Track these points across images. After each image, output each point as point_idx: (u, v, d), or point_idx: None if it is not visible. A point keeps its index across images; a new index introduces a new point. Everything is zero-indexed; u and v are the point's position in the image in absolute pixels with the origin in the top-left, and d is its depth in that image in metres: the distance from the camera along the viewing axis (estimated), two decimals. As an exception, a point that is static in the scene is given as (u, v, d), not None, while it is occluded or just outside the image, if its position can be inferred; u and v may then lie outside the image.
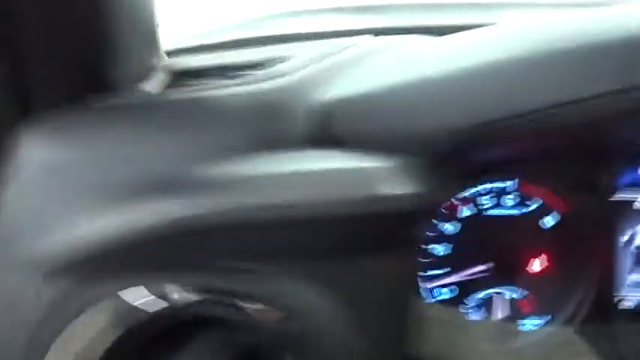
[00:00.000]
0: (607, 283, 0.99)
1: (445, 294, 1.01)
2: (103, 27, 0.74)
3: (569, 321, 1.00)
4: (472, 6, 1.31)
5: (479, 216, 0.99)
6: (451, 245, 0.99)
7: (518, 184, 0.98)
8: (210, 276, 0.66)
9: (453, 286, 1.00)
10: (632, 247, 0.99)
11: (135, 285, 0.64)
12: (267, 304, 0.68)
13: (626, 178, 0.98)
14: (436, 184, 0.78)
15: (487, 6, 1.29)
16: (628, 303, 1.02)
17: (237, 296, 0.68)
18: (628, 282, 1.01)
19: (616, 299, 1.00)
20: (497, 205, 0.99)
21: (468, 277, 0.99)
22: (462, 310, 1.01)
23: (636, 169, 0.97)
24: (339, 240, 0.70)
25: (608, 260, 0.98)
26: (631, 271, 1.00)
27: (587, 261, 0.98)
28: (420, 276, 1.00)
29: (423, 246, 0.99)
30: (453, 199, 0.98)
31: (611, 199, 0.98)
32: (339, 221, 0.68)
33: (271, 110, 0.75)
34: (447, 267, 1.00)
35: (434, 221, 0.98)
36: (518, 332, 1.01)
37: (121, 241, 0.60)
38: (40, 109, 0.72)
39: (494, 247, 0.98)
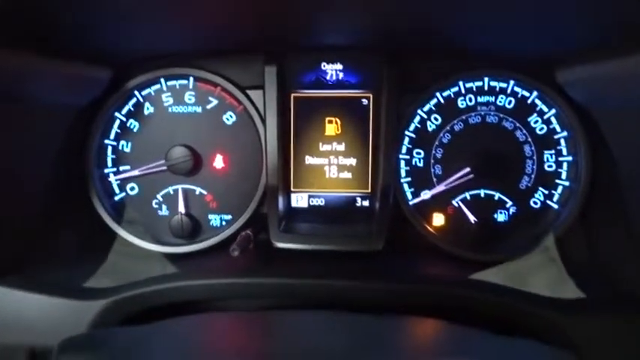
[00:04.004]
0: (281, 183, 1.01)
1: (132, 189, 1.04)
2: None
3: (252, 219, 1.02)
4: None
5: (160, 114, 1.02)
6: (133, 141, 1.03)
7: (195, 81, 1.01)
8: None
9: (135, 182, 1.04)
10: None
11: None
12: None
13: (311, 76, 1.01)
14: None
15: None
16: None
17: None
18: (316, 182, 1.04)
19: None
20: (177, 104, 1.02)
21: (149, 172, 1.03)
22: (152, 205, 1.05)
23: (319, 67, 1.00)
24: None
25: (283, 161, 1.01)
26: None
27: (264, 158, 1.00)
28: (108, 173, 1.04)
29: (110, 141, 1.03)
30: (138, 93, 1.02)
31: (296, 94, 1.01)
32: None
33: None
34: (128, 163, 1.03)
35: (117, 114, 1.02)
36: (206, 227, 1.04)
37: None
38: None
39: (176, 142, 1.02)
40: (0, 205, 0.84)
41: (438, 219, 1.02)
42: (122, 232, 1.02)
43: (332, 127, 1.01)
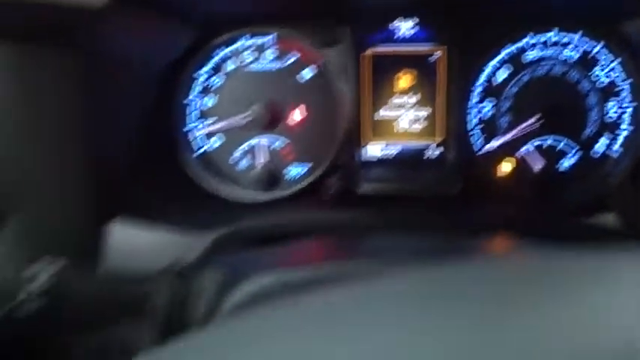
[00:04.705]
0: (357, 135, 1.07)
1: (214, 142, 1.10)
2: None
3: (330, 169, 1.08)
4: None
5: (241, 70, 1.08)
6: (217, 96, 1.09)
7: (276, 39, 1.07)
8: None
9: (220, 135, 1.10)
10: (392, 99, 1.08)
11: None
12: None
13: (384, 32, 1.06)
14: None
15: None
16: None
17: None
18: (388, 132, 1.09)
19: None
20: (258, 60, 1.08)
21: (229, 126, 1.08)
22: (233, 157, 1.10)
23: (392, 23, 1.06)
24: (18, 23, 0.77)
25: (358, 114, 1.07)
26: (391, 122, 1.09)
27: (340, 112, 1.06)
28: (191, 128, 1.10)
29: (193, 98, 1.09)
30: (220, 51, 1.07)
31: (370, 50, 1.06)
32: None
33: None
34: (214, 116, 1.09)
35: (200, 72, 1.08)
36: (284, 179, 1.10)
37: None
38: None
39: (255, 98, 1.07)
40: (95, 158, 0.90)
41: (505, 167, 1.08)
42: (206, 184, 1.08)
43: (404, 81, 1.07)
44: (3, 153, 0.75)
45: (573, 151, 1.06)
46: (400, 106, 1.08)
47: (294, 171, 1.10)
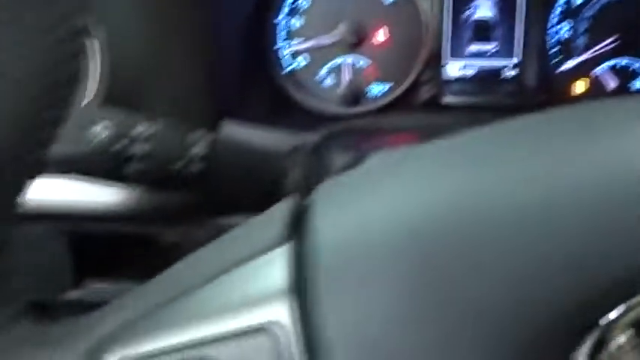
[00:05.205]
0: (438, 55, 1.13)
1: (301, 61, 1.17)
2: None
3: (410, 89, 1.15)
4: None
5: (328, -9, 1.15)
6: (304, 17, 1.16)
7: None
8: None
9: (306, 54, 1.17)
10: (471, 20, 1.13)
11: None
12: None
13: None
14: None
15: None
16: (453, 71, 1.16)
17: None
18: (467, 52, 1.15)
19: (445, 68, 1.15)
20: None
21: (320, 45, 1.15)
22: (319, 75, 1.17)
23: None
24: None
25: (439, 34, 1.13)
26: (470, 42, 1.14)
27: (422, 34, 1.12)
28: (280, 47, 1.17)
29: (282, 19, 1.16)
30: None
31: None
32: None
33: None
34: (301, 37, 1.16)
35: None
36: (366, 96, 1.17)
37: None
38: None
39: (341, 19, 1.14)
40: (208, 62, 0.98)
41: (579, 87, 1.14)
42: (295, 98, 1.16)
43: (485, 7, 1.12)
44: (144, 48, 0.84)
45: (646, 72, 1.11)
46: (480, 26, 1.13)
47: (376, 89, 1.17)
